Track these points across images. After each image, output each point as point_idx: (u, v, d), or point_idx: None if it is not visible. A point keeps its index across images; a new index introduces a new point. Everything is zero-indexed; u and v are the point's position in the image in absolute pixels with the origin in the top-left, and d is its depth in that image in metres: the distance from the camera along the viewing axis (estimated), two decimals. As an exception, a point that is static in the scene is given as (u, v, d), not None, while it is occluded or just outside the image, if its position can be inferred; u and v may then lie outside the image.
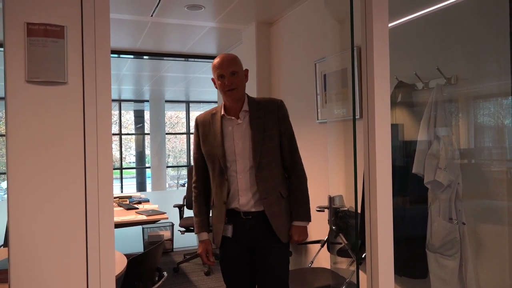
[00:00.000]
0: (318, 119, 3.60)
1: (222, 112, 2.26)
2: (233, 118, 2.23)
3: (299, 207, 2.26)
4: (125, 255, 2.70)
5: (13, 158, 1.28)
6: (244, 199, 2.20)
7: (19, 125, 1.28)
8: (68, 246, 1.35)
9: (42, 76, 1.30)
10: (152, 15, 4.21)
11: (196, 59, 6.31)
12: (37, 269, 1.32)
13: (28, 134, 1.30)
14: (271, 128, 2.20)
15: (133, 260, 2.20)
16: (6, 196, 1.30)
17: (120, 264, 2.52)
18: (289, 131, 2.28)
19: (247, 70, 2.31)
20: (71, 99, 1.34)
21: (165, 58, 6.16)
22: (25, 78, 1.29)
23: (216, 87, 2.27)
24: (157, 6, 3.92)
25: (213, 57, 6.14)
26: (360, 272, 2.33)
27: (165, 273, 2.49)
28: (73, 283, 1.36)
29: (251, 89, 4.52)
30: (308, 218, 2.28)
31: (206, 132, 2.28)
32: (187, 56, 6.02)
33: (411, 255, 2.63)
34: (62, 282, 1.35)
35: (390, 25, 1.96)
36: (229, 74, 2.18)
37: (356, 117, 2.83)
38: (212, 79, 2.29)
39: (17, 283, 1.29)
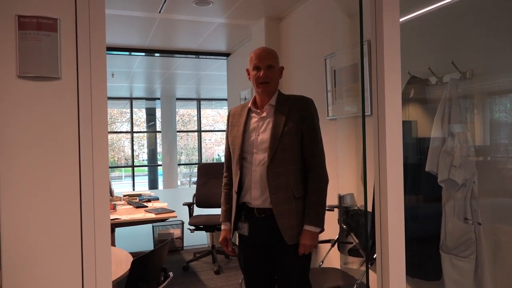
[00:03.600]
0: (328, 116, 3.52)
1: (249, 105, 2.27)
2: (258, 111, 2.24)
3: (310, 211, 2.14)
4: (135, 253, 2.66)
5: (5, 157, 1.23)
6: (256, 192, 2.16)
7: (10, 123, 1.24)
8: (62, 246, 1.30)
9: (34, 71, 1.25)
10: (160, 11, 4.17)
11: (206, 56, 6.28)
12: (30, 270, 1.27)
13: (20, 132, 1.25)
14: (292, 125, 2.14)
15: (136, 261, 2.15)
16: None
17: (126, 264, 2.48)
18: (312, 131, 2.18)
19: (282, 68, 2.28)
20: (64, 95, 1.29)
21: (175, 55, 6.13)
22: (16, 73, 1.24)
23: (249, 78, 2.27)
24: (165, 2, 3.88)
25: (222, 54, 6.12)
26: (371, 273, 2.26)
27: (170, 274, 2.44)
28: (67, 284, 1.31)
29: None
30: (317, 224, 2.14)
31: (234, 123, 2.32)
32: (197, 53, 5.98)
33: (424, 256, 2.55)
34: (57, 283, 1.30)
35: (402, 19, 1.89)
36: (266, 67, 2.17)
37: (367, 113, 2.75)
38: (247, 70, 2.29)
39: (10, 284, 1.25)
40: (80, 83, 1.30)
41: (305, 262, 2.22)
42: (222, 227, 2.36)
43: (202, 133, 14.23)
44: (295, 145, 2.15)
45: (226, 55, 6.13)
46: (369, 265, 2.31)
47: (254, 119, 2.24)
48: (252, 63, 2.20)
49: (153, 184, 13.49)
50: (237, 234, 2.34)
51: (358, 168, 2.98)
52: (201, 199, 5.39)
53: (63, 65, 1.29)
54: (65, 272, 1.31)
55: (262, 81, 2.17)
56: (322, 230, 2.19)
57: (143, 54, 6.09)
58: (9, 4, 1.24)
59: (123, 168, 17.47)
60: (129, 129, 13.96)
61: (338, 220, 2.91)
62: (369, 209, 2.18)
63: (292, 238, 2.13)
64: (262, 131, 2.19)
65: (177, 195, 9.05)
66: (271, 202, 2.12)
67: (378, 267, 1.90)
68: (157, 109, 13.34)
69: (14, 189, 1.25)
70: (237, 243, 2.42)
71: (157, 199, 5.24)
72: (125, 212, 4.40)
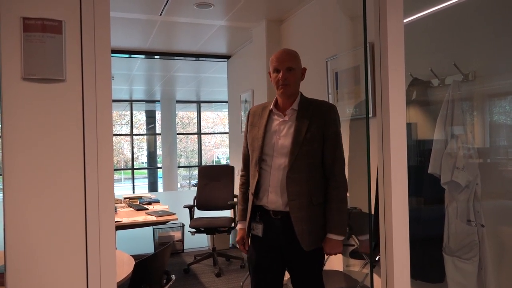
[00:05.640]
0: (329, 118, 3.52)
1: (271, 107, 2.25)
2: (280, 113, 2.22)
3: (333, 219, 2.13)
4: (136, 256, 2.65)
5: (10, 159, 1.23)
6: (273, 196, 2.14)
7: (15, 125, 1.23)
8: (67, 249, 1.30)
9: (39, 73, 1.25)
10: (161, 14, 4.17)
11: (206, 59, 6.28)
12: (35, 273, 1.27)
13: (25, 134, 1.25)
14: (315, 131, 2.12)
15: (139, 264, 2.15)
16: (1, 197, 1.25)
17: (128, 266, 2.47)
18: (334, 138, 2.15)
19: (305, 69, 2.27)
20: (69, 97, 1.29)
21: (175, 57, 6.13)
22: (21, 75, 1.24)
23: (271, 81, 2.26)
24: (165, 4, 3.88)
25: (223, 57, 6.11)
26: (374, 275, 2.26)
27: (173, 276, 2.43)
28: (72, 285, 1.31)
29: (262, 89, 4.46)
30: (340, 232, 2.13)
31: (254, 123, 2.29)
32: (197, 56, 5.98)
33: (427, 258, 2.54)
34: (61, 285, 1.30)
35: (405, 20, 1.88)
36: (285, 69, 2.15)
37: (369, 115, 2.75)
38: (269, 73, 2.28)
39: (14, 285, 1.24)
40: (85, 85, 1.30)
41: (320, 264, 2.25)
42: (239, 226, 2.35)
43: (202, 136, 14.23)
44: (316, 152, 2.13)
45: (227, 57, 6.13)
46: (373, 268, 2.31)
47: (276, 122, 2.21)
48: (272, 65, 2.20)
49: (153, 187, 13.49)
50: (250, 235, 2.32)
51: (359, 170, 2.98)
52: (201, 202, 5.39)
53: (68, 67, 1.28)
54: (70, 274, 1.30)
55: (282, 83, 2.15)
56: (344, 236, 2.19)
57: (143, 56, 6.09)
58: (14, 6, 1.23)
59: (122, 171, 17.46)
60: (128, 131, 13.97)
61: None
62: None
63: (309, 245, 2.12)
64: (283, 135, 2.16)
65: (177, 198, 9.05)
66: (288, 208, 2.11)
67: (382, 270, 1.89)
68: (156, 112, 13.35)
69: (19, 191, 1.24)
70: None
71: (157, 201, 5.23)
72: (126, 215, 4.39)
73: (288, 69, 2.15)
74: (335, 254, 2.17)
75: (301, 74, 2.25)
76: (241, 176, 2.41)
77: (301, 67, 2.24)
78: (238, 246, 2.36)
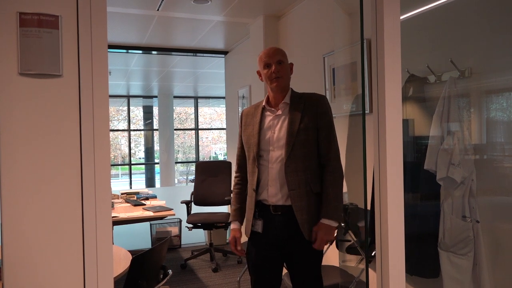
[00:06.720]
0: (327, 114, 3.52)
1: (263, 104, 2.29)
2: (273, 109, 2.26)
3: (328, 205, 2.14)
4: (133, 251, 2.66)
5: (6, 154, 1.23)
6: (273, 189, 2.17)
7: (12, 120, 1.23)
8: (64, 244, 1.30)
9: (36, 68, 1.25)
10: (158, 9, 4.16)
11: (203, 54, 6.27)
12: (32, 267, 1.27)
13: (21, 130, 1.25)
14: (308, 122, 2.16)
15: (136, 259, 2.16)
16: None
17: (125, 261, 2.48)
18: (327, 127, 2.20)
19: (292, 64, 2.32)
20: (66, 92, 1.29)
21: (173, 53, 6.12)
22: (18, 70, 1.24)
23: (262, 79, 2.29)
24: (163, -1, 3.87)
25: (220, 52, 6.10)
26: (370, 271, 2.27)
27: (170, 271, 2.44)
28: (69, 281, 1.31)
29: (259, 85, 4.46)
30: (335, 218, 2.14)
31: (248, 123, 2.33)
32: (194, 51, 5.97)
33: (422, 254, 2.56)
34: (58, 280, 1.30)
35: (401, 17, 1.89)
36: (276, 63, 2.20)
37: (366, 111, 2.76)
38: (257, 72, 2.32)
39: (11, 281, 1.25)
40: (82, 81, 1.30)
41: (319, 257, 2.25)
42: (232, 226, 2.36)
43: (199, 131, 14.21)
44: (312, 142, 2.17)
45: (224, 53, 6.12)
46: (368, 263, 2.32)
47: (269, 118, 2.25)
48: (262, 61, 2.23)
49: (150, 182, 13.48)
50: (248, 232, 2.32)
51: (355, 166, 2.99)
52: (199, 197, 5.40)
53: (64, 63, 1.28)
54: (67, 269, 1.31)
55: (275, 77, 2.20)
56: (339, 224, 2.20)
57: (141, 52, 6.07)
58: (10, 1, 1.23)
59: (120, 166, 17.46)
60: (126, 127, 13.95)
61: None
62: (368, 207, 2.19)
63: (309, 233, 2.14)
64: (278, 129, 2.20)
65: (174, 193, 9.05)
66: (290, 198, 2.12)
67: (378, 265, 1.91)
68: (154, 107, 13.31)
69: (16, 186, 1.25)
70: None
71: (155, 197, 5.23)
72: (123, 210, 4.40)
73: (278, 62, 2.21)
74: (327, 242, 2.15)
75: (290, 68, 2.30)
76: (235, 176, 2.43)
77: (288, 62, 2.29)
78: (230, 247, 2.36)
